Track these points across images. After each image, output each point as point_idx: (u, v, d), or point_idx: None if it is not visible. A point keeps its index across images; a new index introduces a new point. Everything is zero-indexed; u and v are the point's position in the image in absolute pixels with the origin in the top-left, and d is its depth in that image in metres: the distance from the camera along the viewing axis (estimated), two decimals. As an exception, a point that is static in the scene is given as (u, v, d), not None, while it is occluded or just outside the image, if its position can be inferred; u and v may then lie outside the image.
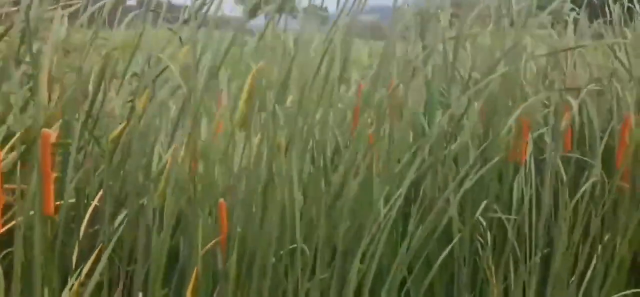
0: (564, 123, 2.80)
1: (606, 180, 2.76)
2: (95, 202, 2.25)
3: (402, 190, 2.39)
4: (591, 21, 3.88)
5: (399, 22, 2.63)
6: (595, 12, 3.85)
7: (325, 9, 2.79)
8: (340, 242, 2.34)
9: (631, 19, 3.49)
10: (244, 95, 2.04)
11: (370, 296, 2.40)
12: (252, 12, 2.53)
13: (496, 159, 2.61)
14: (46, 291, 2.06)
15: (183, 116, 2.11)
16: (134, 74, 2.42)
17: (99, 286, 2.27)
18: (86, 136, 2.34)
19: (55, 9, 2.22)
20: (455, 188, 2.48)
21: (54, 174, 2.13)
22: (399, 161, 2.54)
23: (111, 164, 2.29)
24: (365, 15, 2.63)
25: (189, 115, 2.03)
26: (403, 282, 2.50)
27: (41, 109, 1.99)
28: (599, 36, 3.36)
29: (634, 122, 2.76)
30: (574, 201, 2.67)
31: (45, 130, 1.92)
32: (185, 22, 2.38)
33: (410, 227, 2.39)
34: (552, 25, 3.34)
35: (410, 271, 2.50)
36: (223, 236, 2.23)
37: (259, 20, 2.62)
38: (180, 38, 2.46)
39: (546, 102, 2.93)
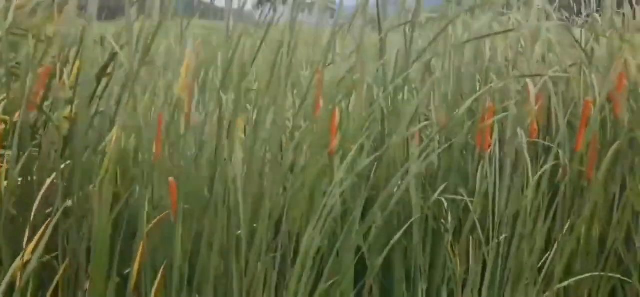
0: (531, 108, 2.80)
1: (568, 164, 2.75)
2: (50, 180, 2.31)
3: (357, 169, 2.42)
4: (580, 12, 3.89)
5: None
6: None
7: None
8: (291, 221, 2.37)
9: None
10: (182, 75, 2.07)
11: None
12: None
13: (456, 138, 2.64)
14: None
15: (124, 94, 2.14)
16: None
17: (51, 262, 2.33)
18: (43, 118, 2.39)
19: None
20: (411, 167, 2.50)
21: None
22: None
23: (65, 146, 2.35)
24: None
25: (127, 91, 2.07)
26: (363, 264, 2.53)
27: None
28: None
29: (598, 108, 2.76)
30: (535, 180, 2.67)
31: (-17, 107, 1.97)
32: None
33: (360, 206, 2.41)
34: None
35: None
36: (174, 214, 2.27)
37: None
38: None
39: (519, 90, 2.93)
